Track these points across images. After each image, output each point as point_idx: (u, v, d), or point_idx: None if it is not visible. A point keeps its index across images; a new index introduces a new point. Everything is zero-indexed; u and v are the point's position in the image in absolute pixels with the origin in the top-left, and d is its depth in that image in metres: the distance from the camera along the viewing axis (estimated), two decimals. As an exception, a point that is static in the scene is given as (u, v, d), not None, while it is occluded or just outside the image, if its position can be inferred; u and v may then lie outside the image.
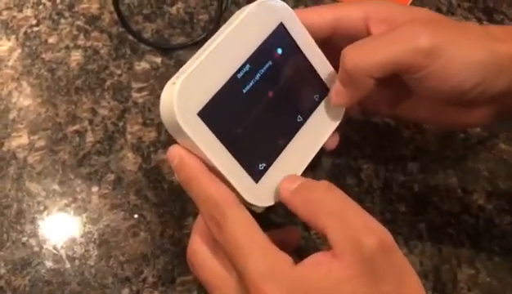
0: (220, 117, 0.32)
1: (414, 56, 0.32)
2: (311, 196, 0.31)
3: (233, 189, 0.32)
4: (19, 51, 0.51)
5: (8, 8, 0.54)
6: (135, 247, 0.40)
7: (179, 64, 0.50)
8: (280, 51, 0.35)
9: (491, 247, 0.40)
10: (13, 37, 0.52)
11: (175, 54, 0.51)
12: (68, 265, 0.39)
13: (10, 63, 0.50)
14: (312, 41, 0.36)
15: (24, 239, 0.41)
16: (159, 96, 0.48)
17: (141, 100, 0.48)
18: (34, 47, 0.51)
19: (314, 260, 0.28)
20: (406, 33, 0.33)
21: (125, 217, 0.41)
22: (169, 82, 0.32)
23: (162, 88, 0.46)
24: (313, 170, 0.43)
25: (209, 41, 0.33)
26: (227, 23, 0.34)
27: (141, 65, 0.50)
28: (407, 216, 0.42)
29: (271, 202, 0.33)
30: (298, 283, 0.28)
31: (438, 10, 0.54)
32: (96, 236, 0.41)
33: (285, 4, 0.35)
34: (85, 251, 0.40)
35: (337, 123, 0.37)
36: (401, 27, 0.33)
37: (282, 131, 0.35)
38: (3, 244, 0.40)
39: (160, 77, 0.49)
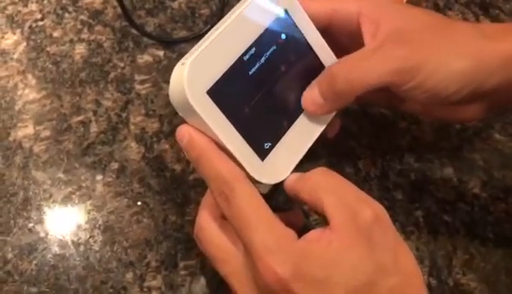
0: (228, 96, 0.33)
1: (394, 76, 0.34)
2: (309, 179, 0.33)
3: (240, 167, 0.33)
4: (24, 44, 0.52)
5: (13, 3, 0.56)
6: (138, 232, 0.41)
7: (181, 57, 0.51)
8: (283, 36, 0.36)
9: (485, 234, 0.42)
10: (18, 31, 0.53)
11: (177, 47, 0.52)
12: (73, 250, 0.41)
13: (15, 56, 0.52)
14: (315, 28, 0.38)
15: (31, 225, 0.42)
16: (161, 88, 0.50)
17: (143, 92, 0.49)
18: (39, 41, 0.53)
19: (314, 234, 0.30)
20: (385, 56, 0.35)
21: (129, 204, 0.43)
22: (179, 63, 0.33)
23: (164, 80, 0.47)
24: (312, 159, 0.45)
25: (217, 25, 0.35)
26: (234, 8, 0.36)
27: (144, 58, 0.51)
28: (404, 203, 0.43)
29: (275, 180, 0.35)
30: (302, 256, 0.29)
31: (436, 5, 0.56)
32: (100, 222, 0.42)
33: None
34: (90, 236, 0.41)
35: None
36: (380, 49, 0.35)
37: (286, 113, 0.36)
38: (10, 230, 0.42)
39: (163, 70, 0.51)
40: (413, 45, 0.35)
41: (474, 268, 0.40)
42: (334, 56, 0.38)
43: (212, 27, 0.49)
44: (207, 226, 0.34)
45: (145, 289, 0.39)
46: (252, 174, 0.34)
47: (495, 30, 0.36)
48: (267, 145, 0.35)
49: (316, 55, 0.38)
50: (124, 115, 0.48)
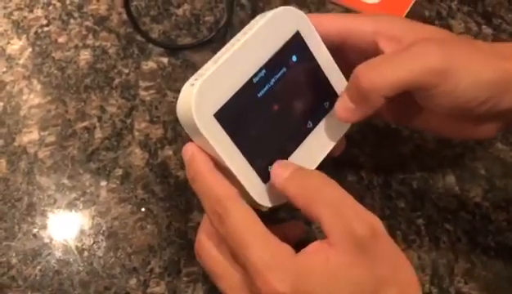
0: (234, 119, 0.33)
1: (426, 76, 0.34)
2: (306, 184, 0.32)
3: (242, 189, 0.34)
4: (29, 50, 0.53)
5: (19, 9, 0.56)
6: (142, 239, 0.42)
7: (185, 64, 0.52)
8: (294, 58, 0.36)
9: (487, 243, 0.42)
10: (24, 36, 0.54)
11: (181, 54, 0.53)
12: (77, 256, 0.41)
13: (21, 61, 0.52)
14: (326, 50, 0.38)
15: (35, 231, 0.42)
16: (165, 95, 0.50)
17: (148, 99, 0.49)
18: (45, 47, 0.53)
19: (312, 249, 0.30)
20: (419, 52, 0.34)
21: (133, 211, 0.43)
22: (188, 83, 0.34)
23: (169, 87, 0.48)
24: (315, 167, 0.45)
25: (228, 45, 0.35)
26: (246, 28, 0.36)
27: (149, 65, 0.52)
28: (406, 211, 0.43)
29: (276, 203, 0.35)
30: (300, 271, 0.29)
31: (438, 14, 0.56)
32: (104, 228, 0.42)
33: (302, 13, 0.36)
34: (94, 242, 0.42)
35: (344, 131, 0.39)
36: (413, 46, 0.34)
37: (292, 136, 0.36)
38: (15, 235, 0.42)
39: (167, 77, 0.51)
40: (447, 47, 0.35)
41: (476, 276, 0.40)
42: (344, 80, 0.38)
43: (216, 34, 0.49)
44: (206, 242, 0.35)
45: (148, 295, 0.39)
46: (254, 197, 0.34)
47: (510, 50, 0.36)
48: (270, 168, 0.35)
49: (327, 79, 0.38)
50: (129, 121, 0.48)
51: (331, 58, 0.38)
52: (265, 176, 0.35)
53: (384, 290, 0.29)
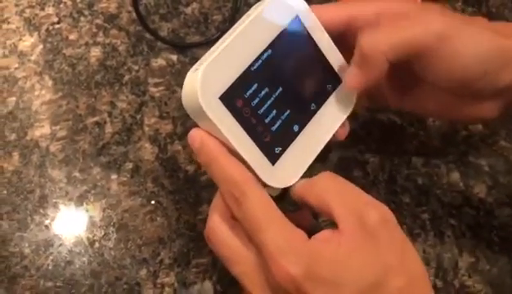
0: (240, 101, 0.34)
1: (427, 38, 0.35)
2: (316, 185, 0.34)
3: (251, 171, 0.34)
4: (41, 46, 0.54)
5: (31, 6, 0.57)
6: (152, 231, 0.43)
7: (194, 61, 0.52)
8: (295, 42, 0.37)
9: (490, 238, 0.43)
10: (35, 33, 0.55)
11: (190, 52, 0.54)
12: (88, 247, 0.42)
13: (33, 58, 0.53)
14: (326, 34, 0.39)
15: (47, 222, 0.43)
16: (174, 91, 0.51)
17: (157, 95, 0.50)
18: (56, 43, 0.54)
19: (324, 235, 0.31)
20: (420, 17, 0.35)
21: (143, 203, 0.44)
22: (191, 70, 0.35)
23: (178, 84, 0.49)
24: (322, 163, 0.46)
25: (230, 30, 0.36)
26: (246, 14, 0.37)
27: (158, 62, 0.53)
28: (411, 206, 0.44)
29: (285, 184, 0.36)
30: (313, 256, 0.30)
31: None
32: (115, 220, 0.43)
33: None
34: (105, 234, 0.43)
35: (347, 113, 0.40)
36: (416, 14, 0.36)
37: (297, 118, 0.37)
38: (27, 226, 0.43)
39: (176, 74, 0.52)
40: (447, 17, 0.36)
41: (480, 270, 0.41)
42: (345, 62, 0.39)
43: (224, 33, 0.50)
44: (218, 227, 0.35)
45: (158, 285, 0.40)
46: (262, 178, 0.35)
47: (509, 29, 0.37)
48: (277, 150, 0.36)
49: (328, 61, 0.39)
50: (139, 117, 0.49)
51: (332, 42, 0.39)
52: (272, 158, 0.36)
53: (393, 279, 0.30)
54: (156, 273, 0.41)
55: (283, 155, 0.36)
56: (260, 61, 0.36)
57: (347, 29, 0.38)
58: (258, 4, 0.38)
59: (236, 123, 0.34)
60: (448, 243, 0.42)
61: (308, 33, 0.38)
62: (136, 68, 0.52)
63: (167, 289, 0.40)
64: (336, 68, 0.39)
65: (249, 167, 0.34)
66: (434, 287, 0.40)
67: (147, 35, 0.55)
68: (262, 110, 0.36)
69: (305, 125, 0.38)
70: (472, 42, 0.35)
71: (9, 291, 0.40)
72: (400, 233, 0.32)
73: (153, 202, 0.44)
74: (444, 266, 0.41)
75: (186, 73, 0.37)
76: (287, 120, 0.37)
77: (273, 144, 0.36)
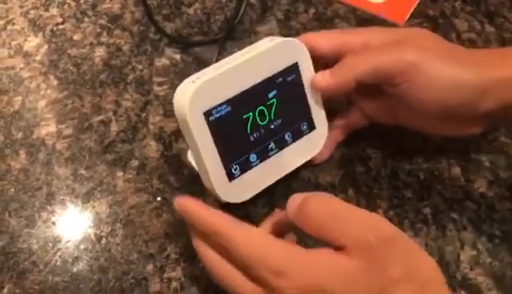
0: (219, 121, 0.39)
1: (399, 65, 0.39)
2: (313, 214, 0.34)
3: (209, 181, 0.40)
4: (46, 47, 0.55)
5: (35, 8, 0.58)
6: (158, 226, 0.43)
7: (197, 61, 0.54)
8: (287, 83, 0.42)
9: (492, 231, 0.44)
10: (40, 34, 0.56)
11: (193, 51, 0.55)
12: (95, 243, 0.43)
13: (37, 58, 0.54)
14: None
15: (54, 219, 0.44)
16: (179, 90, 0.52)
17: (162, 94, 0.51)
18: (60, 44, 0.55)
19: (326, 255, 0.32)
20: (395, 47, 0.40)
21: (149, 200, 0.45)
22: (189, 79, 0.39)
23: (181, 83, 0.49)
24: (325, 160, 0.47)
25: (234, 55, 0.40)
26: (253, 46, 0.41)
27: (162, 61, 0.54)
28: (413, 201, 0.45)
29: (235, 200, 0.41)
30: (310, 270, 0.31)
31: (442, 13, 0.58)
32: (121, 216, 0.44)
33: (305, 47, 0.42)
34: (111, 230, 0.43)
35: (312, 155, 0.45)
36: (393, 44, 0.40)
37: (264, 150, 0.42)
38: (35, 223, 0.44)
39: (180, 73, 0.53)
40: (422, 47, 0.40)
41: (481, 263, 0.42)
42: (324, 113, 0.44)
43: (226, 34, 0.53)
44: (208, 251, 0.36)
45: (165, 280, 0.41)
46: (218, 192, 0.40)
47: (489, 57, 0.40)
48: (237, 170, 0.41)
49: (309, 108, 0.44)
50: (143, 115, 0.50)
51: (320, 96, 0.44)
52: (231, 176, 0.40)
53: (398, 288, 0.30)
54: (163, 267, 0.41)
55: (241, 176, 0.41)
56: (251, 92, 0.40)
57: (338, 55, 0.42)
58: (268, 39, 0.42)
59: (211, 138, 0.39)
60: (450, 237, 0.43)
61: (301, 78, 0.42)
62: (140, 67, 0.53)
63: (174, 283, 0.41)
64: (314, 115, 0.44)
65: (208, 178, 0.39)
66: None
67: (151, 35, 0.56)
68: (237, 134, 0.40)
69: (271, 156, 0.42)
70: (447, 73, 0.39)
71: (18, 286, 0.41)
72: (404, 243, 0.32)
73: (159, 198, 0.45)
74: (446, 259, 0.42)
75: (189, 73, 0.39)
76: (254, 149, 0.41)
77: (235, 165, 0.40)
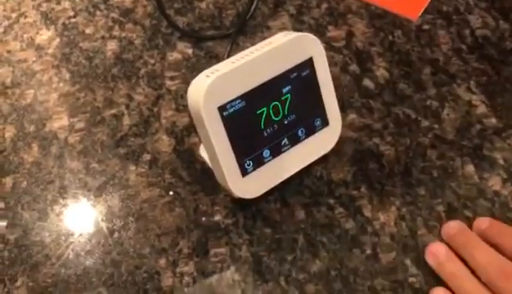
0: (234, 116, 0.39)
1: None
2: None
3: (222, 176, 0.40)
4: (58, 40, 0.55)
5: (47, 1, 0.58)
6: (171, 221, 0.44)
7: (209, 55, 0.54)
8: (302, 78, 0.42)
9: (505, 229, 0.44)
10: (52, 27, 0.56)
11: (205, 45, 0.55)
12: (108, 237, 0.43)
13: (50, 51, 0.54)
14: (330, 77, 0.43)
15: (67, 212, 0.44)
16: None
17: (174, 88, 0.52)
18: (72, 37, 0.55)
19: None
20: None
21: (161, 194, 0.45)
22: (203, 73, 0.39)
23: (194, 77, 0.50)
24: (337, 156, 0.47)
25: (248, 50, 0.41)
26: (267, 41, 0.42)
27: (174, 56, 0.54)
28: (426, 199, 0.45)
29: (247, 196, 0.41)
30: None
31: (456, 9, 0.58)
32: (134, 210, 0.44)
33: (320, 42, 0.42)
34: (124, 224, 0.44)
35: (326, 151, 0.45)
36: None
37: (276, 146, 0.42)
38: (48, 216, 0.44)
39: (192, 67, 0.53)
40: None
41: (495, 261, 0.42)
42: (338, 109, 0.44)
43: (239, 28, 0.53)
44: None
45: (177, 274, 0.41)
46: (231, 187, 0.40)
47: None
48: (251, 166, 0.41)
49: (323, 104, 0.44)
50: (156, 109, 0.50)
51: (333, 90, 0.44)
52: (244, 171, 0.41)
53: None
54: (175, 262, 0.42)
55: (254, 171, 0.41)
56: (265, 87, 0.40)
57: None
58: (283, 34, 0.42)
59: (224, 133, 0.39)
60: (463, 235, 0.43)
61: (316, 73, 0.42)
62: (152, 61, 0.53)
63: (186, 278, 0.41)
64: (328, 111, 0.44)
65: (221, 173, 0.39)
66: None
67: (163, 29, 0.56)
68: (251, 129, 0.40)
69: (284, 152, 0.42)
70: None
71: (31, 278, 0.41)
72: None
73: (171, 192, 0.45)
74: (460, 257, 0.42)
75: (201, 67, 0.40)
76: (267, 145, 0.41)
77: (249, 160, 0.41)
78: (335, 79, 0.51)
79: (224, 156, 0.39)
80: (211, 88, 0.38)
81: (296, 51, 0.41)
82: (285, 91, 0.41)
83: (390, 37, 0.56)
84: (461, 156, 0.47)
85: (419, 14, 0.58)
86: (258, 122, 0.41)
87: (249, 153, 0.41)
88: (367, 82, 0.52)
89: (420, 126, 0.49)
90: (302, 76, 0.42)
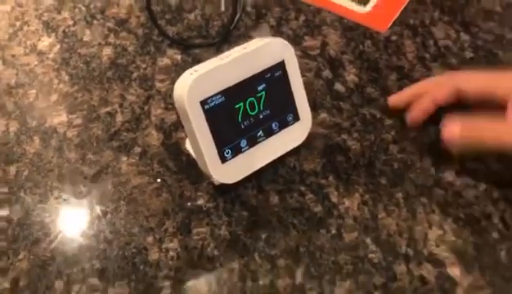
0: (214, 109, 0.45)
1: None
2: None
3: (204, 163, 0.46)
4: (58, 46, 0.61)
5: (49, 11, 0.65)
6: (158, 204, 0.49)
7: (196, 61, 0.60)
8: (275, 78, 0.48)
9: (457, 214, 0.49)
10: (53, 34, 0.62)
11: (192, 52, 0.61)
12: (102, 218, 0.49)
13: (51, 56, 0.60)
14: (300, 79, 0.50)
15: (65, 196, 0.50)
16: (178, 86, 0.58)
17: (163, 89, 0.58)
18: (71, 44, 0.62)
19: None
20: None
21: (150, 181, 0.51)
22: (188, 71, 0.45)
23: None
24: (308, 149, 0.53)
25: (228, 52, 0.47)
26: (245, 44, 0.48)
27: (164, 61, 0.60)
28: (387, 187, 0.51)
29: (226, 181, 0.47)
30: None
31: (422, 22, 0.65)
32: (125, 195, 0.50)
33: (291, 47, 0.48)
34: (116, 206, 0.49)
35: (296, 144, 0.51)
36: None
37: (253, 137, 0.48)
38: (48, 199, 0.50)
39: (180, 72, 0.58)
40: None
41: (446, 241, 0.48)
42: (307, 106, 0.51)
43: (223, 37, 0.59)
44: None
45: (163, 250, 0.47)
46: (211, 172, 0.46)
47: None
48: (228, 154, 0.47)
49: (295, 103, 0.50)
50: (146, 108, 0.56)
51: (303, 88, 0.50)
52: (223, 159, 0.47)
53: None
54: (161, 239, 0.47)
55: (232, 159, 0.47)
56: (242, 85, 0.46)
57: (482, 99, 0.49)
58: (259, 39, 0.49)
59: (206, 125, 0.45)
60: (419, 218, 0.49)
61: (287, 75, 0.49)
62: (144, 66, 0.60)
63: (171, 253, 0.46)
64: (299, 108, 0.51)
65: (203, 160, 0.46)
66: (406, 254, 0.47)
67: (154, 37, 0.62)
68: (230, 120, 0.47)
69: (259, 143, 0.49)
70: None
71: (32, 253, 0.46)
72: None
73: (159, 180, 0.51)
74: (415, 237, 0.48)
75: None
76: (245, 135, 0.48)
77: (228, 149, 0.47)
78: (310, 83, 0.58)
79: (206, 145, 0.46)
80: (194, 84, 0.44)
81: (269, 54, 0.48)
82: (259, 88, 0.47)
83: (361, 47, 0.62)
84: (420, 150, 0.53)
85: (388, 26, 0.65)
86: (236, 116, 0.47)
87: (228, 143, 0.47)
88: (338, 86, 0.58)
89: (384, 125, 0.55)
90: (275, 76, 0.48)
